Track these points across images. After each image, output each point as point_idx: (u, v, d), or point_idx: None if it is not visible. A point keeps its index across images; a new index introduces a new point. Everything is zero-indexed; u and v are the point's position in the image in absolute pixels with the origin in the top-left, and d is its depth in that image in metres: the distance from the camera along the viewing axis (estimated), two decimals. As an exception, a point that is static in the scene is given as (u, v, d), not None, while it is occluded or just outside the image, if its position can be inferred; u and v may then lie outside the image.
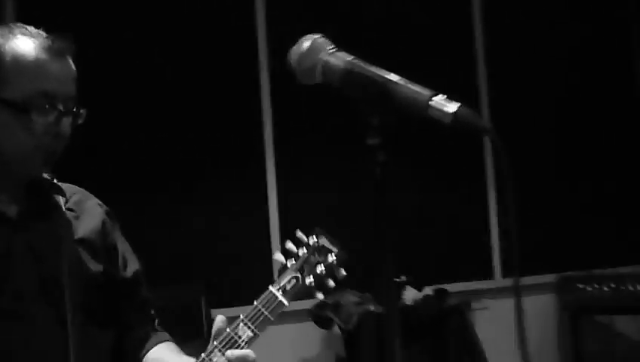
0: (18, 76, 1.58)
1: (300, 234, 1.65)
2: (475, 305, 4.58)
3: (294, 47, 1.32)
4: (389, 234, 1.17)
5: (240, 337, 1.56)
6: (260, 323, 1.57)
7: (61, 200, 1.71)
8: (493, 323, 4.62)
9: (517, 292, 1.14)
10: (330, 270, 1.61)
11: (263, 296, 1.60)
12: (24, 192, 1.68)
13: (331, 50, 1.29)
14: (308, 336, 4.44)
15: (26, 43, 1.60)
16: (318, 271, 1.61)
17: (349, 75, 1.25)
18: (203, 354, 1.58)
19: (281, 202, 4.44)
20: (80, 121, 1.65)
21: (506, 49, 5.11)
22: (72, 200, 1.74)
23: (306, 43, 1.30)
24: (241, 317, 1.58)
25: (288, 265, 1.62)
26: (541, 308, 5.01)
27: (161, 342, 1.80)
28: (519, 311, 1.12)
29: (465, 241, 4.91)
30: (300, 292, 1.62)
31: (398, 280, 4.08)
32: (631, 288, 4.75)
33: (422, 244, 4.61)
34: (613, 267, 4.99)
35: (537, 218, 4.84)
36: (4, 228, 1.63)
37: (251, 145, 4.44)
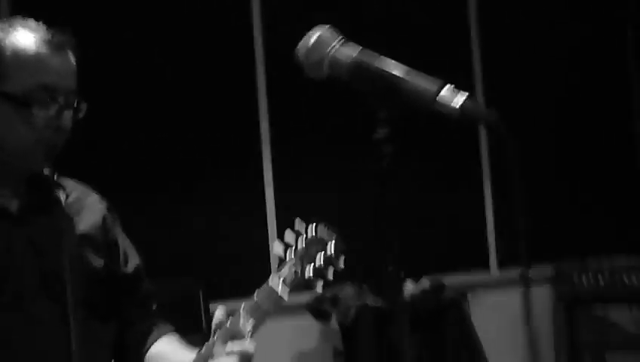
0: (18, 70, 1.57)
1: (298, 224, 1.64)
2: (471, 297, 4.59)
3: (302, 41, 1.31)
4: (390, 230, 1.17)
5: (241, 329, 1.54)
6: (260, 315, 1.56)
7: (62, 195, 1.70)
8: (489, 314, 4.64)
9: (526, 283, 1.14)
10: (330, 260, 1.60)
11: (262, 287, 1.59)
12: (25, 187, 1.68)
13: (340, 42, 1.28)
14: (305, 330, 4.43)
15: (26, 37, 1.59)
16: (318, 261, 1.60)
17: (356, 69, 1.24)
18: (204, 346, 1.57)
19: (278, 201, 4.44)
20: (81, 115, 1.64)
21: (504, 49, 5.11)
22: (72, 196, 1.74)
23: (313, 36, 1.29)
24: (242, 308, 1.57)
25: (287, 256, 1.61)
26: (536, 298, 5.03)
27: (163, 335, 1.80)
28: (527, 305, 1.12)
29: (461, 233, 4.92)
30: (300, 283, 1.61)
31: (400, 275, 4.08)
32: (626, 279, 4.78)
33: (417, 237, 4.61)
34: (608, 258, 5.00)
35: (532, 209, 4.85)
36: (5, 222, 1.62)
37: (249, 144, 4.44)
